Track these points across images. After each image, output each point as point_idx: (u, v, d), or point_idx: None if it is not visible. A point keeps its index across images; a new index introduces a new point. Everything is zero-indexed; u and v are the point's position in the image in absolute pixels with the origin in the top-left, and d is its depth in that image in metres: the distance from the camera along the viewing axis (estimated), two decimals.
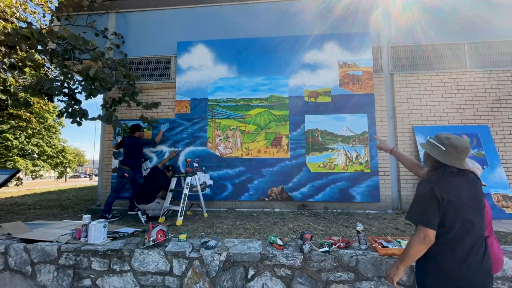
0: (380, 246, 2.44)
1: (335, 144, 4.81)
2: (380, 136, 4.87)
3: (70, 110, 3.70)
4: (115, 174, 5.08)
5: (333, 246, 2.50)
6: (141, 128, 4.72)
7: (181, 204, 3.80)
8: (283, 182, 4.82)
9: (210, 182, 4.95)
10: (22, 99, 3.78)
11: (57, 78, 3.81)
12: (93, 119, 4.04)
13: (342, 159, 4.76)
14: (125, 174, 4.32)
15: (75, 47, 3.59)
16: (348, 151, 4.77)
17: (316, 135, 4.88)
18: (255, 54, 5.13)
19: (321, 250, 2.42)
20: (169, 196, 4.16)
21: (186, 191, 3.94)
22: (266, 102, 5.03)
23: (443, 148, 1.49)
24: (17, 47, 3.30)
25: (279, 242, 2.57)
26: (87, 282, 2.55)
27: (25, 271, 2.61)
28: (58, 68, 3.72)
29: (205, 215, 4.25)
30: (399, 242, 2.53)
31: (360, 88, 4.89)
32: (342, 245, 2.54)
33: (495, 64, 4.87)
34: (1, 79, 4.52)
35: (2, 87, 4.20)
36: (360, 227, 2.55)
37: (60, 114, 3.71)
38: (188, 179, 4.04)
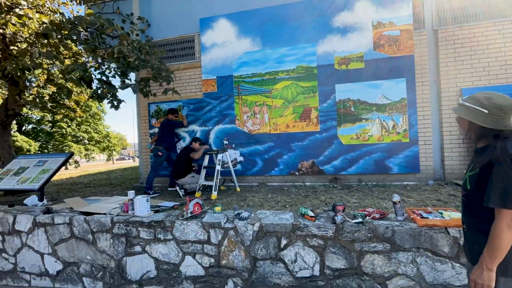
0: (419, 217, 2.31)
1: (370, 113, 4.51)
2: (422, 102, 4.42)
3: (99, 92, 3.90)
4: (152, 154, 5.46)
5: (367, 217, 2.44)
6: (175, 111, 4.92)
7: (215, 180, 3.99)
8: (314, 156, 4.73)
9: (241, 159, 5.06)
10: (65, 89, 4.10)
11: (91, 64, 4.03)
12: (123, 86, 4.09)
13: (378, 129, 4.47)
14: (159, 153, 4.64)
15: (102, 31, 3.72)
16: (384, 120, 4.45)
17: (348, 105, 4.60)
18: (278, 23, 4.85)
19: (354, 221, 2.39)
20: (203, 172, 4.37)
21: (218, 167, 4.09)
22: (293, 74, 4.82)
23: (486, 111, 1.23)
24: (50, 35, 3.52)
25: (311, 213, 2.58)
26: (138, 248, 2.87)
27: (87, 239, 3.02)
28: (91, 56, 3.90)
29: (238, 189, 4.41)
30: (441, 213, 2.37)
31: (398, 50, 4.40)
32: (376, 216, 2.47)
33: None
34: (46, 71, 4.94)
35: (47, 78, 4.61)
36: (396, 198, 2.43)
37: (90, 97, 3.95)
38: (220, 156, 4.18)
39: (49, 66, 5.23)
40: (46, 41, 3.86)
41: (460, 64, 4.32)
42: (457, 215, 2.26)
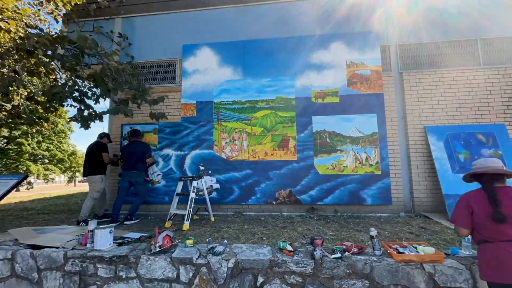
0: (395, 252, 2.32)
1: (344, 145, 4.69)
2: (391, 137, 4.73)
3: (86, 113, 3.72)
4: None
5: (346, 252, 2.39)
6: (141, 134, 4.85)
7: (188, 209, 3.74)
8: (291, 185, 4.72)
9: (217, 186, 4.89)
10: (51, 107, 3.84)
11: (68, 83, 3.83)
12: (103, 113, 4.01)
13: (352, 161, 4.64)
14: (146, 179, 4.56)
15: (83, 51, 3.59)
16: (357, 153, 4.65)
17: (324, 136, 4.77)
18: (260, 55, 5.08)
19: (333, 256, 2.32)
20: (175, 200, 4.11)
21: (192, 195, 3.87)
22: (272, 104, 4.95)
23: None
24: (36, 52, 3.32)
25: (289, 248, 2.48)
26: None
27: (32, 278, 2.58)
28: (67, 74, 3.72)
29: (212, 219, 4.18)
30: (415, 248, 2.40)
31: (369, 88, 4.77)
32: (355, 251, 2.43)
33: (511, 60, 4.68)
34: (23, 87, 4.60)
35: (26, 95, 4.29)
36: (373, 232, 2.44)
37: (74, 119, 3.69)
38: (195, 183, 3.98)
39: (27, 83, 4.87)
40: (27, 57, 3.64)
41: (422, 104, 4.76)
42: (430, 249, 2.30)
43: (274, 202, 4.72)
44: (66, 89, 3.63)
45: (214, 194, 4.86)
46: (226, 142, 4.99)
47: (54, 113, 4.92)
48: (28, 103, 4.46)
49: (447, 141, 4.47)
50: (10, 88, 3.82)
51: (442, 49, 4.84)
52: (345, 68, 4.86)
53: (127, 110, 4.07)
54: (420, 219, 4.12)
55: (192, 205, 3.82)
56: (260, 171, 4.82)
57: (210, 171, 4.94)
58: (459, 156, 4.34)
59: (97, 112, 3.93)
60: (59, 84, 3.75)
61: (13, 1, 4.66)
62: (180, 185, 4.22)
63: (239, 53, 5.13)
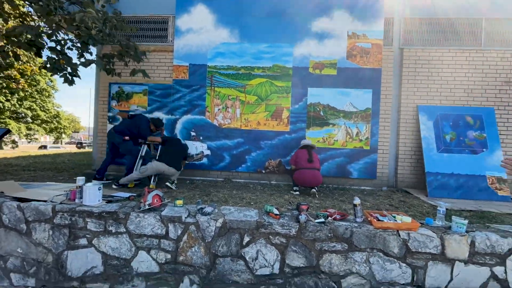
0: (375, 220, 2.45)
1: (337, 119, 4.70)
2: (384, 114, 4.76)
3: (55, 63, 3.40)
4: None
5: (329, 218, 2.51)
6: (162, 125, 4.41)
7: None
8: (281, 156, 4.78)
9: (208, 152, 4.89)
10: (8, 50, 3.47)
11: (43, 30, 3.48)
12: (87, 62, 3.62)
13: (343, 135, 4.69)
14: (125, 138, 4.05)
15: None
16: (349, 127, 4.69)
17: (318, 109, 4.74)
18: (258, 17, 4.78)
19: (317, 221, 2.44)
20: (139, 163, 4.00)
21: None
22: (268, 72, 4.80)
23: None
24: None
25: (276, 211, 2.57)
26: (83, 241, 2.56)
27: (20, 229, 2.60)
28: (42, 19, 3.35)
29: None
30: (394, 217, 2.54)
31: (368, 62, 4.66)
32: (338, 217, 2.56)
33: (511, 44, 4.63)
34: None
35: None
36: (357, 200, 2.55)
37: (43, 67, 3.41)
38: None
39: None
40: None
41: (418, 83, 4.75)
42: (408, 219, 2.45)
43: (264, 171, 4.82)
44: (29, 30, 3.24)
45: (204, 160, 4.88)
46: (218, 109, 4.89)
47: (18, 61, 4.40)
48: None
49: (436, 121, 4.55)
50: None
51: (445, 26, 4.70)
52: (346, 39, 4.69)
53: (101, 65, 3.75)
54: (401, 193, 4.33)
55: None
56: (251, 140, 4.83)
57: (201, 137, 4.90)
58: (445, 137, 4.47)
59: (70, 63, 3.55)
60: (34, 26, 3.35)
61: None
62: (143, 148, 4.09)
63: (236, 13, 4.81)
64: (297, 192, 3.92)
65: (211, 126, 4.89)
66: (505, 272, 2.30)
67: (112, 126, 4.93)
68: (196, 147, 4.88)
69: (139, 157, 4.04)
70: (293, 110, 4.77)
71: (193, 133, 4.92)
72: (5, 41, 3.26)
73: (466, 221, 2.37)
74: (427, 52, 4.72)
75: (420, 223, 2.53)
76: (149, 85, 5.01)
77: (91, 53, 3.90)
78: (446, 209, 3.03)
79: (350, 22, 4.67)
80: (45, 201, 2.68)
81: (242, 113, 4.85)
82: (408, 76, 4.75)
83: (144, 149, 4.09)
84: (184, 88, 4.92)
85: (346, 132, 4.69)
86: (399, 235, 2.36)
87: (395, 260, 2.36)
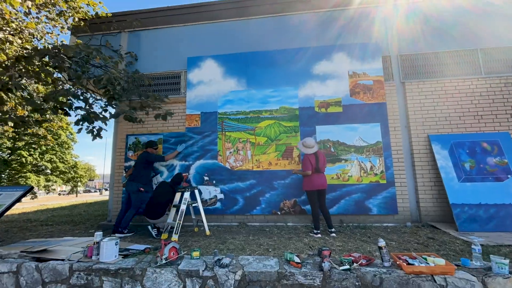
0: (405, 264, 2.28)
1: (348, 154, 4.69)
2: (395, 146, 4.73)
3: (86, 117, 3.73)
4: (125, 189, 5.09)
5: (354, 264, 2.35)
6: (154, 143, 4.69)
7: (178, 221, 3.65)
8: (296, 195, 4.69)
9: (221, 196, 4.87)
10: (49, 108, 3.84)
11: (72, 91, 3.90)
12: (116, 114, 4.01)
13: (356, 170, 4.62)
14: (140, 189, 4.25)
15: (87, 60, 3.69)
16: (362, 162, 4.64)
17: (328, 146, 4.77)
18: (263, 67, 5.17)
19: (341, 268, 2.29)
20: (173, 211, 3.99)
21: (183, 206, 3.78)
22: (276, 114, 5.00)
23: None
24: (33, 60, 3.40)
25: (297, 259, 2.45)
26: None
27: None
28: (71, 83, 3.79)
29: (207, 232, 3.97)
30: (425, 259, 2.36)
31: (372, 97, 4.81)
32: (363, 262, 2.39)
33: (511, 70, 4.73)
34: (25, 95, 4.67)
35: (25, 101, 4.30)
36: (382, 242, 2.41)
37: (76, 124, 3.71)
38: (186, 195, 3.91)
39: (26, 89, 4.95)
40: (25, 65, 3.72)
41: (425, 113, 4.78)
42: (441, 261, 2.26)
43: (279, 213, 4.69)
44: (73, 94, 3.65)
45: (218, 204, 4.84)
46: (230, 152, 5.01)
47: (55, 116, 4.92)
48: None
49: (451, 150, 4.46)
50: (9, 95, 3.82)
51: (442, 59, 4.90)
52: (348, 78, 4.93)
53: (129, 113, 4.07)
54: (428, 229, 4.06)
55: (182, 217, 3.70)
56: (264, 181, 4.81)
57: (214, 181, 4.94)
58: (464, 165, 4.32)
59: (100, 116, 3.89)
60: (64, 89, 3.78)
61: (18, 12, 4.78)
62: (177, 196, 4.16)
63: (242, 65, 5.23)
64: (319, 235, 3.74)
65: (223, 170, 4.96)
66: None
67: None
68: (209, 192, 4.89)
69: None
70: None
71: (206, 178, 4.97)
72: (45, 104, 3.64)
73: (507, 261, 2.16)
74: (428, 84, 4.85)
75: (456, 264, 2.32)
76: (164, 134, 5.27)
77: (114, 108, 4.25)
78: (481, 245, 2.79)
79: (349, 63, 4.96)
80: (62, 260, 2.67)
81: (253, 155, 4.93)
82: (414, 107, 4.82)
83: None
84: (196, 135, 5.14)
85: (360, 167, 4.63)
86: (435, 281, 2.16)
87: None
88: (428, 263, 2.28)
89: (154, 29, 5.79)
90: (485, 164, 4.27)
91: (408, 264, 2.29)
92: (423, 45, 4.98)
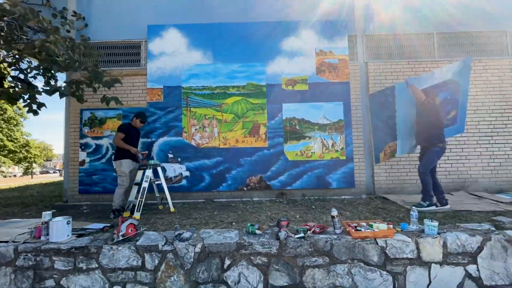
0: (353, 230, 2.50)
1: (312, 132, 4.85)
2: (356, 124, 4.98)
3: (11, 91, 3.25)
4: (82, 167, 4.77)
5: (309, 232, 2.52)
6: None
7: (139, 198, 3.55)
8: (262, 171, 4.80)
9: (187, 173, 4.80)
10: None
11: (6, 60, 3.36)
12: (51, 89, 3.48)
13: (319, 147, 4.83)
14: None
15: (23, 22, 3.17)
16: (324, 139, 4.84)
17: (294, 123, 4.87)
18: (231, 39, 4.95)
19: (296, 236, 2.44)
20: (134, 190, 3.84)
21: (145, 184, 3.66)
22: (243, 90, 4.91)
23: None
24: None
25: (258, 232, 2.55)
26: (50, 282, 2.36)
27: None
28: (3, 47, 3.23)
29: (172, 209, 3.89)
30: (371, 226, 2.60)
31: (336, 76, 4.92)
32: (317, 230, 2.57)
33: (464, 54, 5.10)
34: None
35: None
36: (334, 212, 2.59)
37: (0, 97, 3.24)
38: (148, 172, 3.77)
39: None
40: None
41: None
42: (383, 226, 2.52)
43: (245, 188, 4.79)
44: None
45: (184, 182, 4.78)
46: (196, 129, 4.88)
47: None
48: None
49: None
50: None
51: (402, 41, 5.12)
52: (315, 56, 4.95)
53: (67, 92, 3.64)
54: (379, 200, 4.47)
55: (144, 195, 3.60)
56: (231, 158, 4.82)
57: (179, 159, 4.82)
58: None
59: (31, 90, 3.42)
60: None
61: None
62: (139, 174, 3.96)
63: (209, 36, 4.94)
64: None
65: (189, 147, 4.84)
66: (478, 270, 2.40)
67: (85, 153, 4.77)
68: (174, 169, 4.78)
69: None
70: (270, 126, 4.86)
71: (170, 155, 4.83)
72: None
73: (437, 223, 2.48)
74: (389, 65, 5.08)
75: (396, 229, 2.61)
76: (123, 110, 4.91)
77: (56, 80, 3.78)
78: (420, 212, 3.15)
79: (317, 41, 4.96)
80: (6, 242, 2.47)
81: (219, 132, 4.87)
82: (374, 87, 5.05)
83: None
84: (159, 111, 4.88)
85: (322, 144, 4.83)
86: (377, 243, 2.41)
87: (376, 268, 2.39)
88: (373, 229, 2.52)
89: None
90: None
91: (356, 230, 2.52)
92: (387, 26, 5.12)
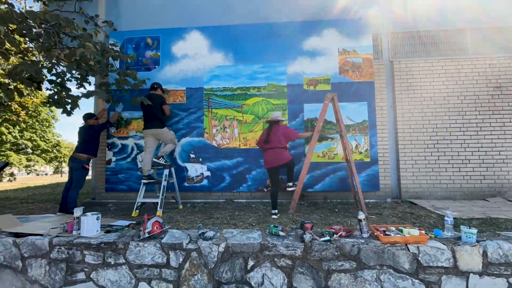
0: (382, 234, 2.38)
1: (335, 133, 4.72)
2: (381, 125, 4.79)
3: (56, 97, 3.49)
4: (109, 166, 4.96)
5: (335, 235, 2.43)
6: (94, 116, 4.45)
7: (161, 196, 3.77)
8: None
9: (208, 173, 4.85)
10: (12, 87, 3.55)
11: (43, 64, 3.58)
12: (76, 97, 3.70)
13: (342, 149, 4.67)
14: (86, 166, 4.11)
15: (59, 30, 3.36)
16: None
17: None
18: (251, 41, 4.95)
19: (322, 239, 2.36)
20: (142, 189, 3.99)
21: (164, 183, 3.89)
22: (263, 91, 4.89)
23: None
24: None
25: (282, 233, 2.51)
26: (81, 275, 2.46)
27: (15, 266, 2.51)
28: (42, 54, 3.46)
29: (180, 207, 4.18)
30: (401, 230, 2.47)
31: (360, 76, 4.76)
32: (343, 234, 2.48)
33: (498, 50, 4.75)
34: None
35: None
36: (361, 215, 2.49)
37: (46, 102, 3.51)
38: (166, 171, 3.97)
39: None
40: None
41: (411, 93, 4.82)
42: (415, 232, 2.37)
43: (265, 190, 4.75)
44: (29, 68, 3.33)
45: (205, 182, 4.83)
46: (216, 130, 4.92)
47: (22, 97, 4.42)
48: None
49: None
50: None
51: (432, 38, 4.86)
52: (337, 55, 4.82)
53: (102, 95, 3.86)
54: (406, 204, 4.25)
55: (165, 193, 3.85)
56: (251, 159, 4.81)
57: (200, 159, 4.88)
58: None
59: (70, 95, 3.64)
60: (33, 62, 3.43)
61: None
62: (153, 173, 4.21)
63: (230, 38, 4.98)
64: (275, 216, 3.49)
65: (210, 147, 4.89)
66: None
67: (111, 153, 4.97)
68: (196, 169, 4.85)
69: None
70: (291, 126, 4.78)
71: (192, 155, 4.90)
72: (7, 80, 3.35)
73: (475, 230, 2.30)
74: (416, 63, 4.84)
75: (429, 235, 2.45)
76: None
77: (89, 83, 3.98)
78: (454, 218, 2.95)
79: (339, 40, 4.83)
80: (41, 235, 2.61)
81: (240, 133, 4.87)
82: (400, 87, 4.83)
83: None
84: (181, 112, 4.98)
85: None
86: (408, 250, 2.28)
87: (407, 276, 2.26)
88: (403, 234, 2.39)
89: None
90: None
91: (385, 234, 2.39)
92: (414, 23, 4.89)
